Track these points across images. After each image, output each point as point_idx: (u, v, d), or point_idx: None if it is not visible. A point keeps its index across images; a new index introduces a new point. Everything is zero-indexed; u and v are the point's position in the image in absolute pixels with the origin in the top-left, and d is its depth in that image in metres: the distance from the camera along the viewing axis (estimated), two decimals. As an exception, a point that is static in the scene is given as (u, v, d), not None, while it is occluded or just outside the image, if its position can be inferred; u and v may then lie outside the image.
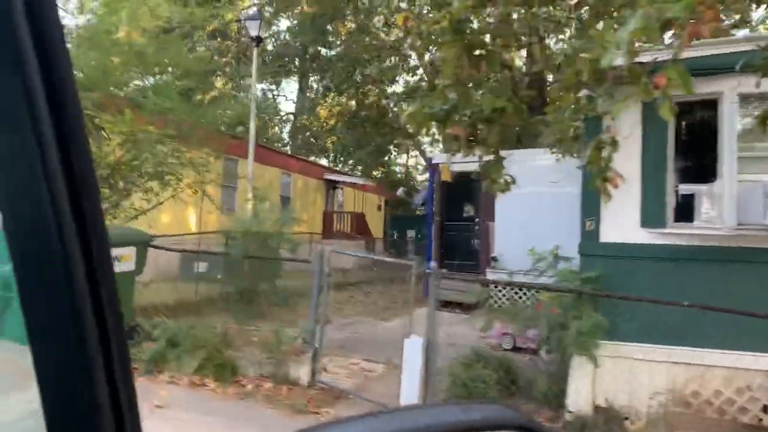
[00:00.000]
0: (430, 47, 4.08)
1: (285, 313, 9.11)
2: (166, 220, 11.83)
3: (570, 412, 5.85)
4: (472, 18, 3.80)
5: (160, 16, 7.63)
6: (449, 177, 4.40)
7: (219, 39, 23.03)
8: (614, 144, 4.28)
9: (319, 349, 6.09)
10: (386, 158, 31.97)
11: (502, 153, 4.49)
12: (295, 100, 30.05)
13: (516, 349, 8.44)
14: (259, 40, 13.98)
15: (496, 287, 12.63)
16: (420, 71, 20.20)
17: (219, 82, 23.23)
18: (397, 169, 36.58)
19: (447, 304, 11.81)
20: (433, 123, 4.56)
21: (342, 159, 31.18)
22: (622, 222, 5.84)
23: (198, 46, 20.02)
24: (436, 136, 31.28)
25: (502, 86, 3.99)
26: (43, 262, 0.58)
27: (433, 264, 5.44)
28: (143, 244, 7.00)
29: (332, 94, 23.41)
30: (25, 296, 0.59)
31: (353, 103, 23.81)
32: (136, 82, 8.70)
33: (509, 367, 6.50)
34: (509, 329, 8.48)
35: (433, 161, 14.18)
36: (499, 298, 12.67)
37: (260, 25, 13.77)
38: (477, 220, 13.45)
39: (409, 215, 29.47)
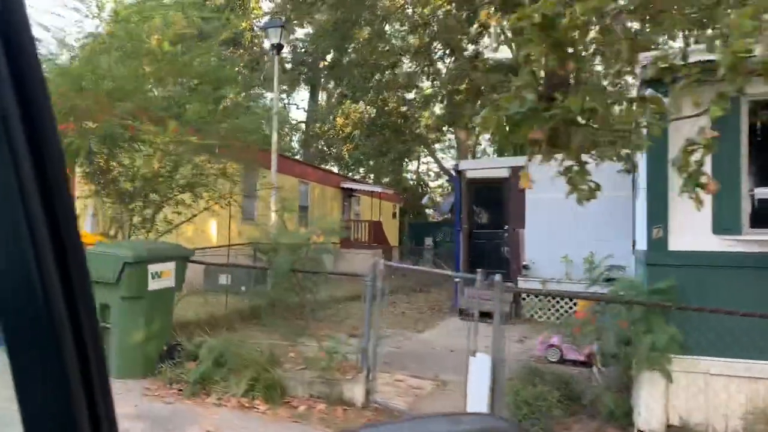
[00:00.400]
0: (513, 45, 3.79)
1: (322, 328, 8.80)
2: (189, 232, 11.59)
3: (641, 431, 5.53)
4: (564, 13, 3.50)
5: (193, 23, 7.40)
6: (528, 184, 4.10)
7: (232, 48, 22.84)
8: (708, 146, 3.98)
9: (373, 366, 5.78)
10: (401, 165, 31.64)
11: (584, 157, 4.20)
12: (307, 108, 29.86)
13: (562, 361, 8.13)
14: (279, 47, 13.76)
15: (528, 296, 12.30)
16: (435, 78, 19.97)
17: (232, 92, 23.03)
18: (408, 176, 36.28)
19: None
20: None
21: (353, 167, 30.88)
22: (692, 229, 5.52)
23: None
24: (450, 143, 31.07)
25: (593, 87, 3.71)
26: (17, 268, 0.57)
27: (497, 277, 5.13)
28: (183, 259, 6.70)
29: (348, 101, 23.14)
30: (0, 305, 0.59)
31: (371, 109, 23.49)
32: (168, 90, 8.46)
33: (568, 383, 6.18)
34: (556, 341, 8.17)
35: (459, 167, 13.87)
36: (532, 307, 12.33)
37: (281, 32, 13.55)
38: (506, 227, 13.11)
39: (425, 222, 29.10)
